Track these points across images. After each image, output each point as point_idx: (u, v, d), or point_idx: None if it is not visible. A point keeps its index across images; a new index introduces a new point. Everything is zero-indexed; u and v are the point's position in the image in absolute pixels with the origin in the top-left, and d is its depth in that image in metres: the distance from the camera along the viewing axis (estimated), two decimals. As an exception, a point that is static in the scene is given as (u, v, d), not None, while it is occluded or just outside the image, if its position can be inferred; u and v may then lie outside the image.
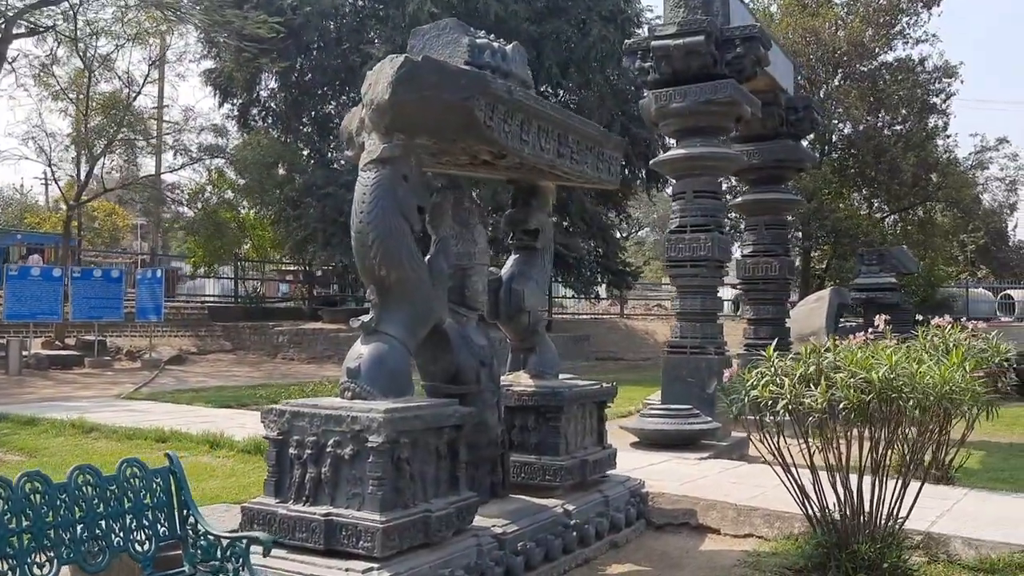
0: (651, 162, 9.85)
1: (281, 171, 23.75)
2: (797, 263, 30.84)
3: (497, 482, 5.33)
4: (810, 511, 4.78)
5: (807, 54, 28.70)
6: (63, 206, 34.25)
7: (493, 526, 4.79)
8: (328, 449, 4.19)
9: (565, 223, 26.76)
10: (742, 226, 16.21)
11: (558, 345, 23.12)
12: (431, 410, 4.41)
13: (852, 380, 4.22)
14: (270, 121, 26.30)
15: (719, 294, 9.57)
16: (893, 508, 4.66)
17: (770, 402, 4.42)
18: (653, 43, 9.23)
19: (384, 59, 4.49)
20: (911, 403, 4.15)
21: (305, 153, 23.54)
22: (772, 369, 4.63)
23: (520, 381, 5.86)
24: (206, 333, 24.09)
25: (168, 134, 23.98)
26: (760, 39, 9.26)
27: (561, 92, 25.94)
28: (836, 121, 30.10)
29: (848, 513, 4.60)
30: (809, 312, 14.95)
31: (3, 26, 18.61)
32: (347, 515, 4.08)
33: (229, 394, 14.38)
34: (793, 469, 4.76)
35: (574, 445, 5.83)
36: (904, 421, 4.36)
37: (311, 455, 4.23)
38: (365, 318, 4.61)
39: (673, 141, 9.99)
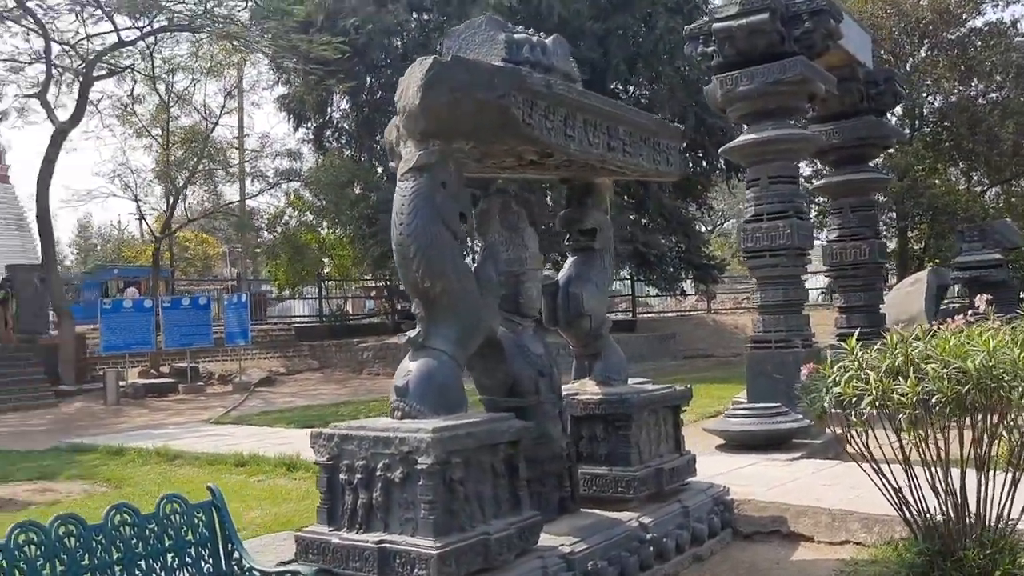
0: (721, 150, 9.41)
1: (357, 190, 23.98)
2: (893, 245, 29.55)
3: (565, 497, 5.05)
4: (908, 515, 4.34)
5: (888, 27, 27.46)
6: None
7: (561, 545, 4.51)
8: (378, 473, 3.99)
9: (644, 220, 26.27)
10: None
11: (642, 345, 22.86)
12: (484, 426, 4.16)
13: (946, 371, 3.79)
14: (344, 141, 26.60)
15: (803, 283, 9.06)
16: (1003, 508, 4.20)
17: (854, 399, 4.02)
18: (715, 26, 8.82)
19: (414, 63, 4.29)
20: (1017, 391, 3.69)
21: (380, 171, 23.70)
22: (856, 362, 4.22)
23: (585, 389, 5.58)
24: (294, 353, 24.50)
25: (246, 161, 24.51)
26: (830, 11, 8.74)
27: (631, 88, 25.48)
28: (925, 94, 28.70)
29: (951, 516, 4.15)
30: (906, 296, 14.16)
31: (84, 69, 19.30)
32: (400, 542, 3.87)
33: (314, 413, 14.47)
34: (887, 469, 4.35)
35: (648, 453, 5.51)
36: (1010, 411, 3.90)
37: (361, 480, 4.04)
38: (412, 333, 4.41)
39: (744, 127, 9.51)
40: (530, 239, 5.04)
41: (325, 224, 25.41)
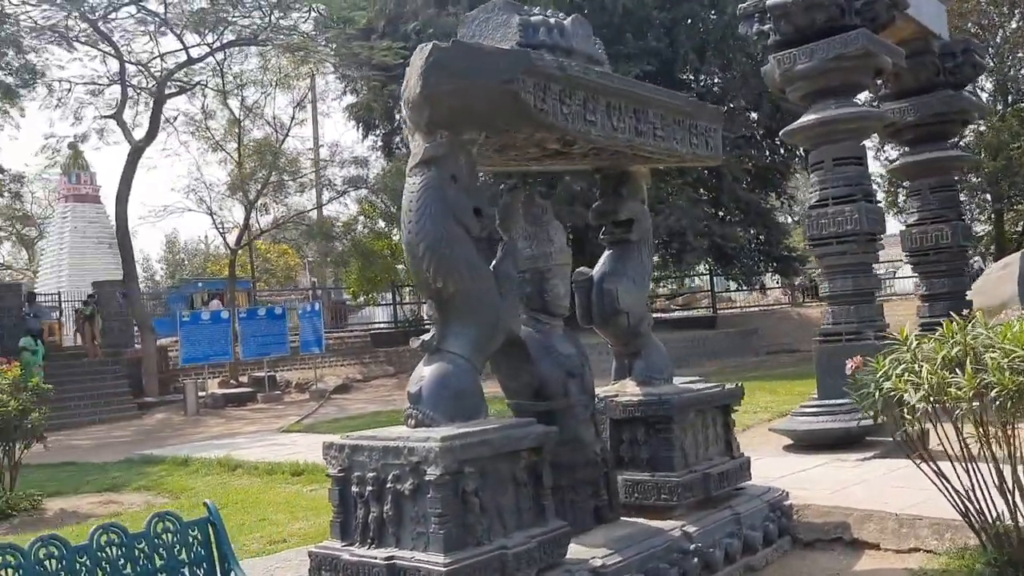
0: (781, 133, 8.90)
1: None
2: (989, 228, 28.02)
3: (602, 506, 4.75)
4: (975, 520, 3.90)
5: (974, -1, 26.07)
6: (240, 251, 36.44)
7: (592, 558, 4.21)
8: (388, 485, 3.78)
9: (721, 213, 25.54)
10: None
11: (722, 342, 22.16)
12: (501, 433, 3.90)
13: (1007, 360, 3.36)
14: (413, 146, 26.68)
15: (875, 270, 8.50)
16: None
17: (907, 394, 3.61)
18: (769, 2, 8.36)
19: (415, 51, 4.06)
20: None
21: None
22: (910, 353, 3.81)
23: (626, 390, 5.26)
24: (370, 360, 24.66)
25: (315, 171, 24.84)
26: (893, -20, 8.19)
27: (702, 77, 24.82)
28: (1019, 67, 27.13)
29: (1021, 523, 3.71)
30: (997, 281, 13.22)
31: (156, 88, 19.80)
32: (409, 558, 3.64)
33: (383, 419, 14.38)
34: (949, 469, 3.92)
35: (694, 457, 5.16)
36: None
37: (372, 492, 3.83)
38: (426, 336, 4.19)
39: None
40: (556, 233, 4.76)
41: (397, 230, 25.49)
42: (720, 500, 5.24)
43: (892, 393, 3.70)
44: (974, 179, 25.70)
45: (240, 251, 25.48)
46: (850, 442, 7.37)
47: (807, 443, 7.57)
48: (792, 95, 8.62)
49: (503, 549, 3.73)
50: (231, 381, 21.67)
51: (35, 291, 24.22)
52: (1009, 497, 3.72)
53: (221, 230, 25.03)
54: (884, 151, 27.68)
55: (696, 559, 4.62)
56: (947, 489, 3.92)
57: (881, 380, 3.79)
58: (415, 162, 4.13)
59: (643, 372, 5.29)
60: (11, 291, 21.57)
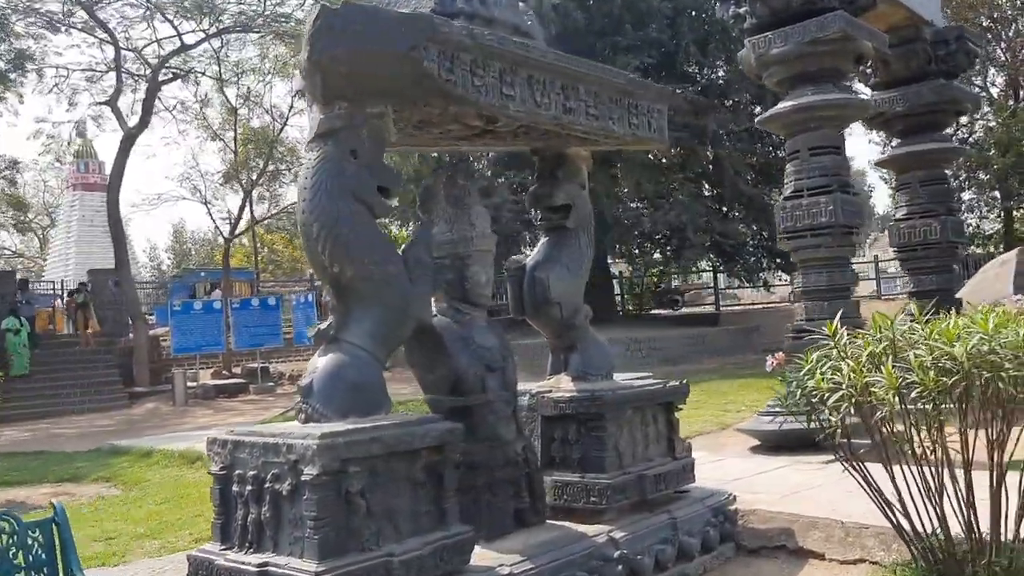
0: (757, 120, 8.56)
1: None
2: (998, 227, 27.43)
3: (524, 508, 4.45)
4: (906, 531, 3.60)
5: (987, -9, 25.49)
6: (245, 241, 36.23)
7: (500, 566, 3.92)
8: (267, 485, 3.50)
9: (724, 208, 25.09)
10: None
11: (724, 339, 21.77)
12: (397, 430, 3.61)
13: (931, 358, 3.04)
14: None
15: (851, 265, 8.15)
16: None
17: (827, 395, 3.30)
18: (745, -16, 8.02)
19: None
20: (1013, 380, 2.92)
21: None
22: (836, 351, 3.50)
23: (560, 386, 4.96)
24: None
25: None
26: (874, -40, 7.83)
27: (705, 70, 24.38)
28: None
29: (953, 533, 3.40)
30: (993, 278, 12.78)
31: (150, 74, 19.61)
32: (283, 564, 3.36)
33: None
34: (894, 474, 3.63)
35: (630, 458, 4.85)
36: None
37: (252, 492, 3.55)
38: (323, 325, 3.91)
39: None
40: (478, 217, 4.46)
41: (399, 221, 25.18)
42: (658, 504, 4.94)
43: (815, 393, 3.40)
44: (983, 176, 25.16)
45: (239, 241, 25.31)
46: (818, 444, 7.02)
47: (773, 444, 7.25)
48: (768, 81, 8.28)
49: (389, 556, 3.45)
50: (223, 372, 21.50)
51: (28, 279, 24.15)
52: (936, 506, 3.41)
53: (215, 219, 24.85)
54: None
55: (620, 567, 4.31)
56: (877, 497, 3.62)
57: (805, 379, 3.48)
58: (311, 136, 3.85)
59: (578, 367, 4.99)
60: (3, 278, 21.48)
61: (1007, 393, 2.95)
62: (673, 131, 20.29)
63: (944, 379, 2.99)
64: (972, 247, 26.61)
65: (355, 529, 3.42)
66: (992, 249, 28.05)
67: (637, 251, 25.26)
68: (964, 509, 3.40)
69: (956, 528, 3.54)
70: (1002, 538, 3.41)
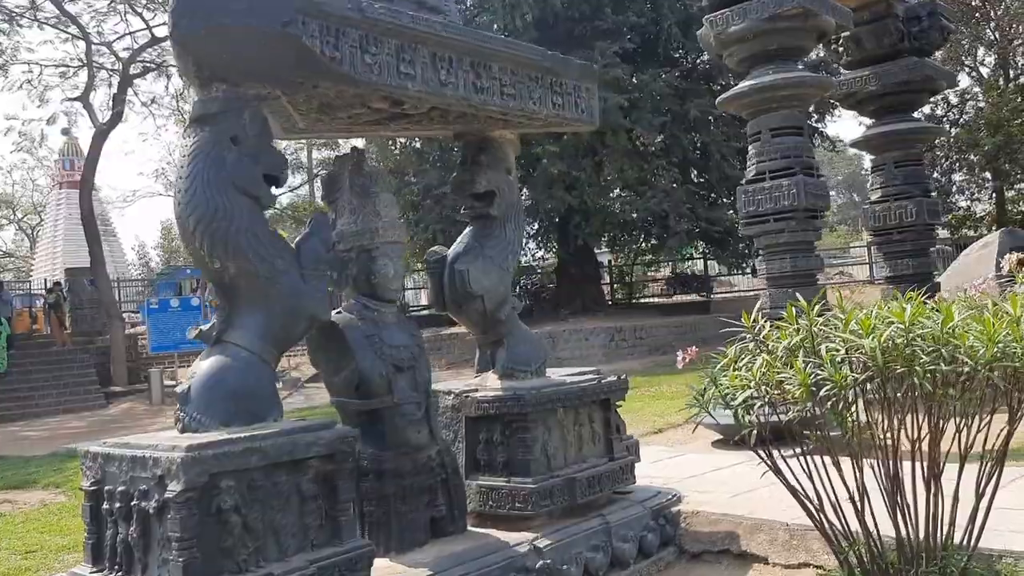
0: (717, 102, 8.24)
1: (413, 178, 23.33)
2: (989, 208, 27.08)
3: (440, 517, 4.17)
4: (830, 535, 3.33)
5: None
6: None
7: (403, 582, 3.64)
8: (134, 502, 3.21)
9: (712, 195, 24.73)
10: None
11: (713, 327, 21.37)
12: (277, 439, 3.31)
13: (843, 351, 2.75)
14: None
15: (816, 250, 7.85)
16: (958, 528, 3.13)
17: (738, 392, 3.02)
18: (703, -40, 7.70)
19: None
20: (932, 377, 2.63)
21: (430, 155, 23.01)
22: (757, 344, 3.21)
23: (486, 384, 4.68)
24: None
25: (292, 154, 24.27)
26: (836, -68, 7.50)
27: (689, 54, 23.97)
28: (1018, 42, 26.17)
29: (874, 540, 3.12)
30: (975, 261, 12.49)
31: (120, 68, 19.26)
32: (145, 590, 3.08)
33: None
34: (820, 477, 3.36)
35: (561, 460, 4.57)
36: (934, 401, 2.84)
37: (120, 510, 3.26)
38: (206, 325, 3.61)
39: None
40: (385, 206, 4.16)
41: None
42: (592, 507, 4.66)
43: (726, 391, 3.11)
44: (973, 157, 24.83)
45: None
46: (783, 436, 6.72)
47: (733, 438, 6.95)
48: (729, 61, 7.97)
49: (267, 577, 3.16)
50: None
51: (1, 280, 23.87)
52: (858, 510, 3.14)
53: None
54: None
55: (542, 578, 4.04)
56: (802, 499, 3.35)
57: (719, 375, 3.19)
58: (188, 121, 3.54)
59: (505, 364, 4.69)
60: (-21, 279, 21.20)
61: (924, 389, 2.67)
62: (656, 117, 19.90)
63: (855, 375, 2.71)
64: (964, 230, 26.33)
65: (229, 549, 3.14)
66: (984, 232, 27.75)
67: (621, 239, 24.88)
68: (893, 512, 3.12)
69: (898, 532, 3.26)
70: (937, 543, 3.13)
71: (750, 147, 7.85)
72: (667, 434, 8.64)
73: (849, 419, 2.95)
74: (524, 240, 26.57)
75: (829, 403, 2.81)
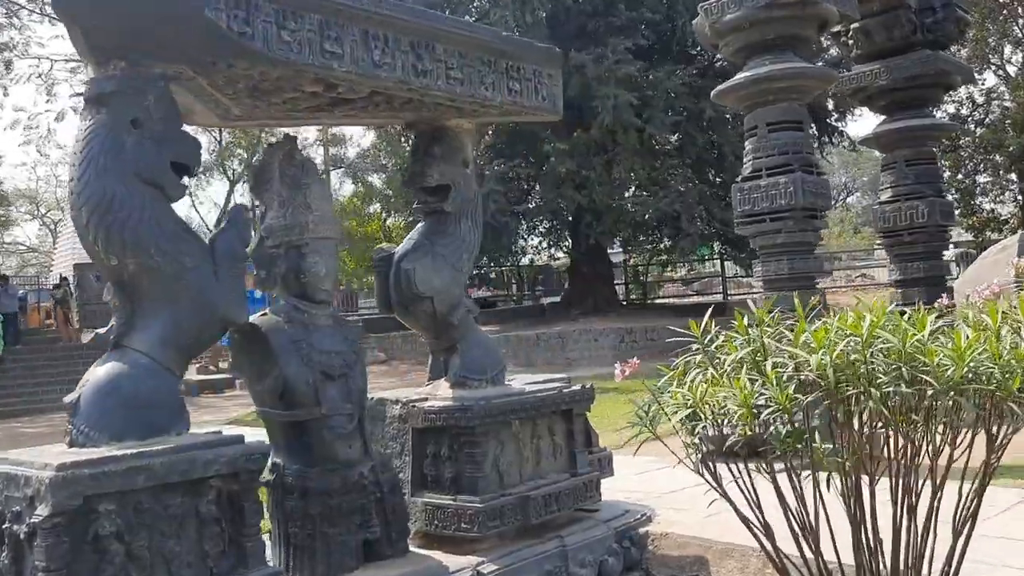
0: (712, 94, 7.83)
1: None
2: (1014, 210, 26.32)
3: (376, 539, 3.81)
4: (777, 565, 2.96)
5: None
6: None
7: (320, 614, 3.29)
8: (6, 524, 2.88)
9: (728, 196, 24.11)
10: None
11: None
12: (170, 457, 2.97)
13: (790, 369, 2.37)
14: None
15: (815, 251, 7.42)
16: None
17: (676, 412, 2.65)
18: (700, -55, 7.30)
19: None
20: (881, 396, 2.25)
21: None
22: (704, 357, 2.83)
23: (436, 393, 4.32)
24: (363, 345, 23.87)
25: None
26: (841, -85, 7.07)
27: (703, 50, 23.37)
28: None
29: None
30: (992, 266, 11.95)
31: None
32: (11, 625, 2.75)
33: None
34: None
35: (516, 476, 4.21)
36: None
37: (-7, 533, 2.94)
38: (102, 329, 3.28)
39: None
40: (317, 199, 3.81)
41: (388, 212, 24.65)
42: (551, 527, 4.29)
43: (670, 408, 2.74)
44: (998, 158, 24.14)
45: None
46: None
47: (725, 451, 6.54)
48: (725, 52, 7.57)
49: (150, 612, 2.82)
50: (210, 367, 21.05)
51: (6, 274, 23.86)
52: (802, 540, 2.78)
53: (199, 211, 24.38)
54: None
55: (482, 610, 3.68)
56: (753, 527, 2.99)
57: (663, 390, 2.82)
58: (83, 102, 3.22)
59: (458, 372, 4.33)
60: (-17, 274, 21.17)
61: (879, 414, 2.28)
62: (670, 115, 19.38)
63: (802, 396, 2.33)
64: (988, 232, 25.61)
65: (110, 581, 2.80)
66: (1009, 235, 27.00)
67: (634, 239, 24.43)
68: (855, 545, 2.74)
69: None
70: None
71: (747, 142, 7.45)
72: (669, 442, 8.23)
73: (796, 444, 2.57)
74: (533, 238, 26.30)
75: (771, 428, 2.44)
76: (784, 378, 2.41)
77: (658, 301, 28.87)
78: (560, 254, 27.20)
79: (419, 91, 3.79)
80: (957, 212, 26.26)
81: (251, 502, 3.15)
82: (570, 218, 22.93)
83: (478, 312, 4.54)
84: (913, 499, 2.74)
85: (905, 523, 2.69)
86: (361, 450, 3.78)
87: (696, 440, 2.89)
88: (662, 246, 24.81)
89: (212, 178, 23.30)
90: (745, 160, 7.46)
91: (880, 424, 2.43)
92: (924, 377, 2.19)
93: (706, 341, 2.85)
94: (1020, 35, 25.18)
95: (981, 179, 25.91)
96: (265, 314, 3.76)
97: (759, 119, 7.25)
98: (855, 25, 9.19)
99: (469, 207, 4.45)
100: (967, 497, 2.57)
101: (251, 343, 3.67)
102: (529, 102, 4.26)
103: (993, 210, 26.27)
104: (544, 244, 26.35)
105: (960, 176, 25.01)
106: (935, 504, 2.66)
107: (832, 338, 2.39)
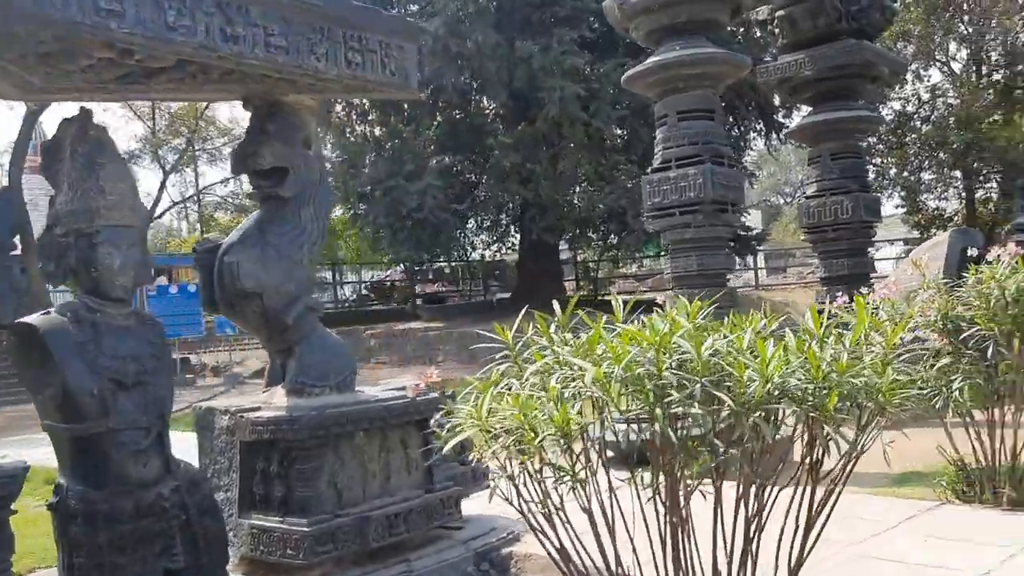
0: (622, 80, 7.43)
1: (365, 168, 22.45)
2: (958, 207, 26.35)
3: (179, 570, 3.35)
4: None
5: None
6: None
7: (86, 663, 2.84)
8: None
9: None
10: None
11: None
12: None
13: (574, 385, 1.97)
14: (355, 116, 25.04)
15: (726, 247, 7.08)
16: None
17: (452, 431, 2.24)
18: (609, -77, 6.90)
19: None
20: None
21: (388, 143, 22.09)
22: (517, 368, 2.42)
23: (271, 402, 3.87)
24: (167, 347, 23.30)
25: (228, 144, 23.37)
26: None
27: (593, 21, 22.31)
28: (989, 36, 25.45)
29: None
30: (925, 262, 11.78)
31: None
32: None
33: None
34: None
35: (358, 494, 3.79)
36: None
37: None
38: None
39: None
40: (112, 180, 3.31)
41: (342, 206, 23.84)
42: (401, 550, 3.88)
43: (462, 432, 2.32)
44: (942, 155, 24.14)
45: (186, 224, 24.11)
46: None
47: (628, 456, 6.18)
48: (636, 35, 7.18)
49: None
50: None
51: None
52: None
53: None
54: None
55: (296, 649, 3.25)
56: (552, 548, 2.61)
57: (459, 411, 2.40)
58: None
59: (294, 378, 3.89)
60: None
61: (666, 439, 1.89)
62: (617, 110, 18.98)
63: (581, 418, 1.94)
64: (933, 230, 25.60)
65: None
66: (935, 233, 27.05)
67: (581, 235, 24.05)
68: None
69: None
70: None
71: (657, 132, 7.07)
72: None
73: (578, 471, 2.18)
74: (482, 233, 25.81)
75: (552, 451, 2.04)
76: (568, 395, 2.02)
77: (608, 297, 28.56)
78: (506, 249, 26.77)
79: (232, 59, 3.33)
80: (903, 210, 26.47)
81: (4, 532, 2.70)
82: (517, 213, 22.52)
83: (323, 311, 4.09)
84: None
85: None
86: (160, 469, 3.32)
87: (504, 462, 2.46)
88: (609, 242, 24.47)
89: (142, 166, 22.48)
90: (656, 151, 7.09)
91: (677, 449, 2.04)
92: (719, 395, 1.82)
93: (517, 348, 2.44)
94: (965, 32, 25.20)
95: (926, 176, 25.91)
96: (48, 313, 3.27)
97: (669, 107, 6.88)
98: (780, 13, 8.88)
99: (310, 192, 4.00)
100: (793, 534, 2.19)
101: (28, 347, 3.19)
102: (374, 76, 3.82)
103: (938, 207, 26.31)
104: (490, 240, 25.89)
105: (905, 173, 24.99)
106: (754, 535, 2.28)
107: (628, 348, 2.00)
